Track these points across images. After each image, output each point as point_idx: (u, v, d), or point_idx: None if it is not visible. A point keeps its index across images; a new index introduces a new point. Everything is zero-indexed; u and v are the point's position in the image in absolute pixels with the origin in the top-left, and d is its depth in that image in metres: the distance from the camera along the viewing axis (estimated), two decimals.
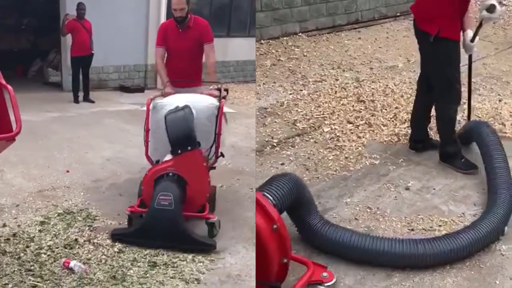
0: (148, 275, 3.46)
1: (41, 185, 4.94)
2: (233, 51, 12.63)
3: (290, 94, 5.67)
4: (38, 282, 3.39)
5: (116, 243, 3.83)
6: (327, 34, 7.95)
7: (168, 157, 4.26)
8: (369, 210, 3.61)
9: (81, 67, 9.66)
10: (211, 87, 5.13)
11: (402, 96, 5.55)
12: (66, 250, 3.70)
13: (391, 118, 5.01)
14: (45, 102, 9.35)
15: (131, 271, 3.49)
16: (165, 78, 5.10)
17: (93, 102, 9.58)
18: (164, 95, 4.79)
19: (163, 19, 11.54)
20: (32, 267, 3.51)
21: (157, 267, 3.56)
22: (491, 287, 2.94)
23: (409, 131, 4.54)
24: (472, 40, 3.93)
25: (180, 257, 3.68)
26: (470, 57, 4.25)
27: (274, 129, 5.08)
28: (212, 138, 4.52)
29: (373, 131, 4.76)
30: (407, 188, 3.88)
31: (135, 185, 4.64)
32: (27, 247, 3.76)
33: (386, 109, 5.21)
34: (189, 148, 4.08)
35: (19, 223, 4.13)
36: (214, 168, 4.65)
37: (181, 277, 3.45)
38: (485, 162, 3.89)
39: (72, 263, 3.52)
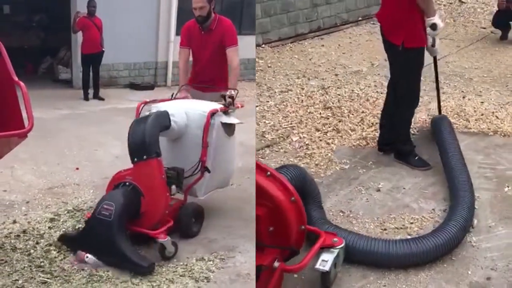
0: (157, 272, 3.46)
1: (51, 182, 4.96)
2: (245, 49, 12.48)
3: (257, 106, 5.71)
4: (48, 278, 3.42)
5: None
6: (290, 43, 8.01)
7: None
8: (342, 214, 3.67)
9: (92, 65, 9.67)
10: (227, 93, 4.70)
11: (368, 100, 5.64)
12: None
13: (358, 123, 5.09)
14: (55, 99, 9.31)
15: None
16: (182, 81, 4.94)
17: (103, 99, 9.60)
18: (178, 97, 4.59)
19: (174, 16, 11.62)
20: (42, 264, 3.55)
21: (166, 265, 3.56)
22: (464, 277, 3.02)
23: (377, 134, 4.67)
24: (433, 45, 4.16)
25: (190, 255, 3.67)
26: (434, 58, 4.51)
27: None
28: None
29: (341, 136, 4.84)
30: (378, 190, 3.96)
31: None
32: (37, 243, 3.79)
33: (353, 114, 5.29)
34: (144, 157, 3.83)
35: (29, 219, 4.15)
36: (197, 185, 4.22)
37: (190, 275, 3.46)
38: (441, 158, 4.13)
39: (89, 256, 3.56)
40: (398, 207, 3.73)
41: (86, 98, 9.59)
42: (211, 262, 3.61)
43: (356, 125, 5.05)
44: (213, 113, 4.15)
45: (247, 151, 5.65)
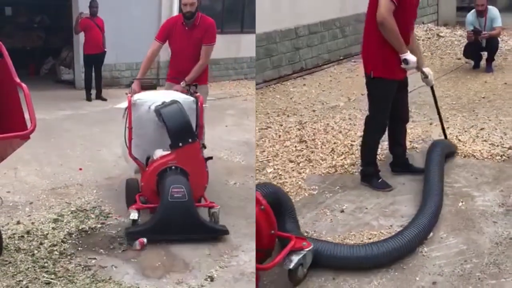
0: (161, 274, 3.56)
1: (54, 182, 5.09)
2: (247, 47, 12.16)
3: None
4: (52, 279, 3.48)
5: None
6: (274, 85, 8.35)
7: (160, 152, 4.30)
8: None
9: (94, 65, 9.73)
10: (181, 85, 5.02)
11: (340, 132, 5.89)
12: (79, 247, 3.85)
13: (329, 153, 5.32)
14: (58, 100, 9.50)
15: None
16: (140, 74, 5.17)
17: (105, 99, 9.69)
18: (131, 92, 4.75)
19: (175, 13, 11.54)
20: (46, 264, 3.63)
21: (171, 265, 3.67)
22: (412, 283, 3.23)
23: (345, 162, 5.04)
24: (426, 77, 4.65)
25: (193, 254, 3.80)
26: (431, 88, 4.88)
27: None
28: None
29: (312, 166, 5.05)
30: (342, 211, 4.17)
31: None
32: (41, 244, 3.89)
33: (325, 145, 5.52)
34: (190, 140, 4.19)
35: (33, 220, 4.26)
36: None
37: (194, 274, 3.56)
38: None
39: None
40: (359, 225, 3.95)
41: (88, 98, 9.69)
42: (215, 261, 3.73)
43: (327, 155, 5.28)
44: (200, 99, 4.55)
45: (251, 150, 6.05)
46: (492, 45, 8.38)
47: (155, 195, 4.22)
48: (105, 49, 9.74)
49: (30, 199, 4.74)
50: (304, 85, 8.46)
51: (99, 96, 9.80)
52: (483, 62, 8.66)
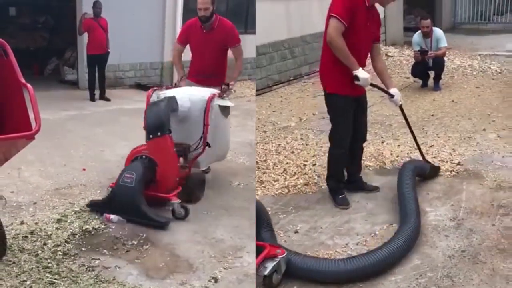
0: (165, 275, 3.60)
1: (58, 183, 5.12)
2: (251, 48, 12.33)
3: None
4: (55, 279, 3.50)
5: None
6: None
7: None
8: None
9: (97, 65, 9.76)
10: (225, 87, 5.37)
11: (293, 152, 5.96)
12: (83, 247, 3.90)
13: (281, 173, 5.35)
14: (61, 100, 9.48)
15: None
16: (181, 72, 5.49)
17: (109, 100, 9.78)
18: (178, 86, 5.20)
19: (179, 16, 11.72)
20: (49, 264, 3.66)
21: (175, 266, 3.71)
22: None
23: (298, 182, 5.10)
24: (392, 97, 4.68)
25: (198, 255, 3.86)
26: (400, 107, 4.90)
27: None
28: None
29: (264, 187, 5.07)
30: (296, 231, 4.18)
31: None
32: (45, 244, 3.91)
33: (277, 166, 5.56)
34: (158, 134, 4.50)
35: (37, 220, 4.28)
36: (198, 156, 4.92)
37: (198, 276, 3.59)
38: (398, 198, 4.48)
39: (113, 216, 4.28)
40: (314, 245, 3.97)
41: (92, 99, 9.73)
42: (219, 262, 3.77)
43: (279, 175, 5.32)
44: (211, 98, 4.91)
45: (254, 150, 6.06)
46: (438, 64, 8.71)
47: None
48: (109, 50, 9.79)
49: (33, 200, 4.76)
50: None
51: (102, 97, 9.85)
52: (430, 81, 8.95)
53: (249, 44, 12.91)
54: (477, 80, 9.66)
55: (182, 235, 4.22)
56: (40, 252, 3.82)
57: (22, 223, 4.26)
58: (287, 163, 5.61)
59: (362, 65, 4.39)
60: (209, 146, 4.92)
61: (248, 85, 12.34)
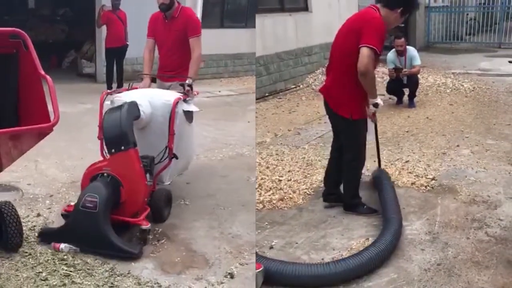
0: (180, 270, 3.60)
1: (74, 176, 5.07)
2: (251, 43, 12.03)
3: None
4: (71, 271, 3.55)
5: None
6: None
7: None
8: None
9: (116, 58, 9.69)
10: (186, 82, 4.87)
11: (268, 168, 5.95)
12: None
13: (256, 189, 5.31)
14: (79, 93, 9.38)
15: None
16: (146, 70, 5.14)
17: None
18: (138, 87, 4.78)
19: (199, 8, 11.59)
20: (65, 257, 3.70)
21: (190, 262, 3.73)
22: None
23: (273, 197, 5.09)
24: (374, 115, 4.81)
25: (214, 251, 3.87)
26: (375, 124, 5.12)
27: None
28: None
29: None
30: (271, 247, 4.15)
31: None
32: None
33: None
34: (122, 147, 3.91)
35: (53, 213, 4.32)
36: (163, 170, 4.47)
37: (214, 271, 3.60)
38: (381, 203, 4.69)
39: (62, 245, 3.83)
40: (290, 260, 3.88)
41: None
42: (235, 258, 3.77)
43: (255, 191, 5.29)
44: (176, 102, 4.38)
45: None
46: (412, 82, 8.86)
47: None
48: (127, 43, 9.67)
49: (50, 192, 4.84)
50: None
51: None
52: (405, 98, 9.05)
53: (248, 38, 12.54)
54: (450, 97, 9.87)
55: (198, 230, 4.27)
56: None
57: (38, 215, 4.32)
58: (262, 179, 5.60)
59: None
60: (176, 158, 4.44)
61: (245, 79, 12.54)
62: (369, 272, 3.67)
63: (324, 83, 4.82)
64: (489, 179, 5.50)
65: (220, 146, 7.03)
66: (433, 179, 5.52)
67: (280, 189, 5.31)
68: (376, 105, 4.50)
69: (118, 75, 9.88)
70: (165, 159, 4.41)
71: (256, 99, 9.53)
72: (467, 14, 18.65)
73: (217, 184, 5.56)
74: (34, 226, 4.15)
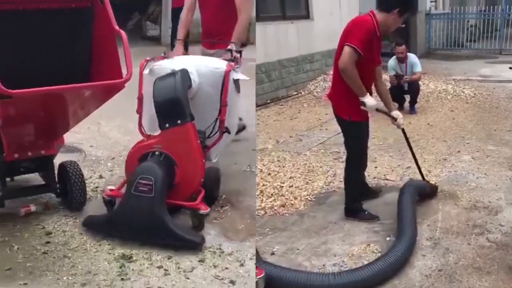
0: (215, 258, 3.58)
1: (136, 139, 4.82)
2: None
3: None
4: None
5: None
6: None
7: (157, 131, 3.69)
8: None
9: None
10: (230, 47, 4.38)
11: (269, 174, 5.91)
12: None
13: (258, 195, 5.26)
14: (143, 56, 8.95)
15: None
16: (180, 34, 4.69)
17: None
18: (170, 55, 4.22)
19: None
20: None
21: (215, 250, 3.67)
22: None
23: (275, 204, 5.09)
24: (395, 120, 4.81)
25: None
26: (403, 130, 5.07)
27: None
28: (218, 109, 3.87)
29: None
30: (273, 253, 4.12)
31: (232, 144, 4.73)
32: None
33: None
34: (178, 122, 3.52)
35: (114, 175, 4.45)
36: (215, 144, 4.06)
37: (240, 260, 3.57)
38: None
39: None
40: (291, 267, 3.84)
41: None
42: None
43: (256, 197, 5.21)
44: (228, 71, 3.92)
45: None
46: (413, 88, 8.88)
47: None
48: None
49: (112, 155, 5.04)
50: None
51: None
52: (406, 104, 9.07)
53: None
54: (451, 103, 9.88)
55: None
56: None
57: (100, 177, 4.55)
58: (263, 185, 5.59)
59: (369, 91, 4.51)
60: (229, 132, 4.00)
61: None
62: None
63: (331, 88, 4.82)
64: (490, 185, 5.50)
65: None
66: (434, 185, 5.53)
67: (282, 195, 5.31)
68: (363, 103, 4.39)
69: None
70: (215, 133, 4.00)
71: (258, 105, 9.56)
72: (468, 21, 18.68)
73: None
74: (97, 187, 4.31)
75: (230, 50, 4.25)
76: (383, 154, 6.65)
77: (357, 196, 4.82)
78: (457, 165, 6.21)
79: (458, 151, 6.78)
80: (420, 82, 9.35)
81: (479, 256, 4.01)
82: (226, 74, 3.91)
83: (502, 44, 17.52)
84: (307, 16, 11.54)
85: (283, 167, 6.20)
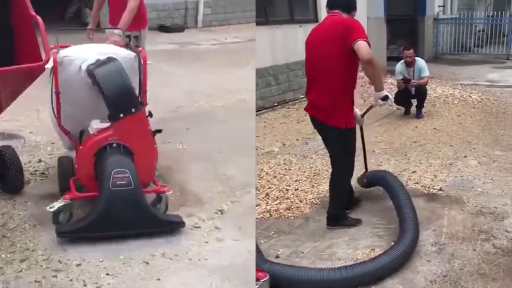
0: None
1: None
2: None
3: None
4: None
5: None
6: None
7: (97, 123, 3.58)
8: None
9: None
10: (115, 32, 4.44)
11: (275, 177, 5.93)
12: None
13: (263, 198, 5.30)
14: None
15: None
16: (91, 24, 5.19)
17: None
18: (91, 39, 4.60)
19: None
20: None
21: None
22: None
23: (280, 206, 5.08)
24: (363, 116, 4.87)
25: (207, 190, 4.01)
26: (361, 128, 5.07)
27: None
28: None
29: None
30: (277, 256, 4.13)
31: (168, 123, 4.94)
32: None
33: (259, 191, 5.48)
34: (133, 110, 3.46)
35: (54, 158, 4.45)
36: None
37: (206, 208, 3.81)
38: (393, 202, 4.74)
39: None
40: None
41: None
42: (227, 197, 3.97)
43: (262, 200, 5.27)
44: (144, 55, 3.89)
45: None
46: (421, 93, 8.86)
47: (92, 180, 3.55)
48: None
49: (51, 140, 4.99)
50: None
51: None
52: (413, 109, 9.04)
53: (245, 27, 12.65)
54: (458, 108, 9.85)
55: (194, 172, 4.36)
56: None
57: (40, 161, 4.61)
58: (269, 188, 5.60)
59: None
60: (151, 116, 3.84)
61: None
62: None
63: (307, 102, 4.67)
64: (496, 190, 5.48)
65: (222, 93, 7.23)
66: (440, 189, 5.50)
67: (287, 198, 5.31)
68: (385, 97, 4.37)
69: None
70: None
71: (265, 108, 9.56)
72: (476, 26, 18.65)
73: (216, 130, 5.78)
74: (36, 171, 4.38)
75: (129, 36, 4.48)
76: (389, 158, 6.64)
77: (344, 203, 4.78)
78: (464, 170, 6.20)
79: (465, 156, 6.77)
80: (427, 87, 9.35)
81: (485, 262, 3.99)
82: (144, 59, 3.84)
83: (509, 50, 17.46)
84: (315, 20, 11.52)
85: (289, 170, 6.19)
